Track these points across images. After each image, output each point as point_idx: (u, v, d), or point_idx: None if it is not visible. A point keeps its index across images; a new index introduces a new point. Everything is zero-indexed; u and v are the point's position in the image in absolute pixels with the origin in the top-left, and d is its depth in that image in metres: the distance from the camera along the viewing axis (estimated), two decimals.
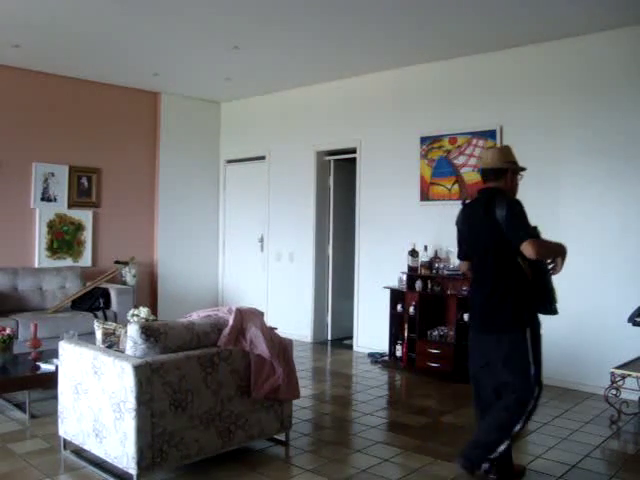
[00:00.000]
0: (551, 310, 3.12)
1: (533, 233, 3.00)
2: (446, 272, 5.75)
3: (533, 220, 3.09)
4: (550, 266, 3.10)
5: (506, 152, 3.26)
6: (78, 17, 5.07)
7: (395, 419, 4.43)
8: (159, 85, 7.45)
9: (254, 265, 7.98)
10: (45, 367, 4.27)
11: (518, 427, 3.04)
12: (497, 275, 3.11)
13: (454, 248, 5.81)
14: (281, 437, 3.78)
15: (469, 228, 3.29)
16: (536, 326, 3.12)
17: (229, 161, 8.36)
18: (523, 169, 3.29)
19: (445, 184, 6.09)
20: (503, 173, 3.19)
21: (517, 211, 3.00)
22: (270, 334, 3.59)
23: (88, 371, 3.28)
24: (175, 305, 7.49)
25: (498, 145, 3.30)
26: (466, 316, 5.46)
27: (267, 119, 7.83)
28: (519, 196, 3.24)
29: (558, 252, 3.07)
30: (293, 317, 7.36)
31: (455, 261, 5.86)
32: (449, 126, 6.07)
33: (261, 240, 7.88)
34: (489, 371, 3.21)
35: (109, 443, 3.13)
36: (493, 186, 3.20)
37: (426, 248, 5.96)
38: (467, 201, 3.40)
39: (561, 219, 5.24)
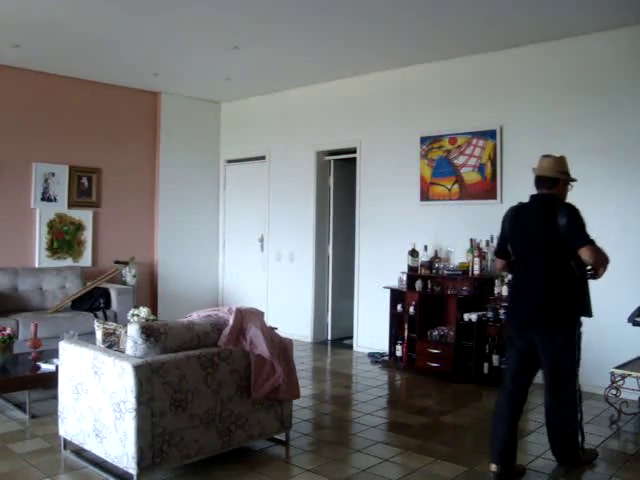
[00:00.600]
0: (590, 313, 3.34)
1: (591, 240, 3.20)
2: (446, 272, 5.75)
3: None
4: (590, 272, 3.31)
5: (562, 162, 3.43)
6: (78, 17, 5.07)
7: (395, 419, 4.43)
8: (159, 85, 7.45)
9: (254, 265, 7.98)
10: (45, 367, 4.27)
11: (580, 414, 3.45)
12: (551, 277, 3.27)
13: (454, 248, 5.93)
14: (281, 437, 3.78)
15: (522, 230, 3.43)
16: (580, 325, 3.35)
17: (229, 161, 8.37)
18: (574, 180, 3.47)
19: (445, 184, 6.09)
20: (556, 182, 3.37)
21: (578, 218, 3.23)
22: (270, 334, 3.59)
23: (88, 371, 3.28)
24: (175, 305, 7.48)
25: (554, 154, 3.43)
26: (466, 316, 5.48)
27: (267, 119, 7.83)
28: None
29: (606, 261, 3.24)
30: (293, 317, 7.35)
31: (455, 260, 5.88)
32: (449, 126, 6.07)
33: (261, 240, 7.88)
34: (531, 368, 3.39)
35: (109, 443, 3.13)
36: (546, 193, 3.38)
37: (426, 248, 5.96)
38: (520, 203, 3.55)
39: None
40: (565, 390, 3.36)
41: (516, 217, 3.48)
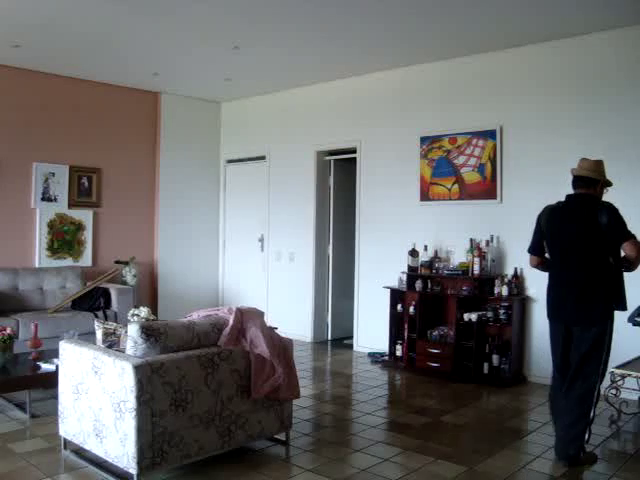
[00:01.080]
0: (625, 306, 3.50)
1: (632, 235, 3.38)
2: (446, 272, 5.75)
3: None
4: (625, 265, 3.45)
5: (600, 166, 3.59)
6: (78, 17, 5.07)
7: (395, 419, 4.43)
8: (159, 85, 7.45)
9: (254, 265, 7.98)
10: (45, 367, 4.27)
11: (592, 413, 3.51)
12: (591, 273, 3.46)
13: (454, 248, 5.93)
14: (281, 437, 3.78)
15: (561, 228, 3.56)
16: (613, 321, 3.51)
17: (229, 161, 8.37)
18: (610, 184, 3.62)
19: (445, 184, 6.09)
20: (594, 183, 3.54)
21: (618, 215, 3.42)
22: (270, 334, 3.59)
23: (88, 371, 3.28)
24: (175, 305, 7.48)
25: (594, 158, 3.66)
26: (466, 316, 5.48)
27: (267, 119, 7.83)
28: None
29: None
30: (293, 317, 7.36)
31: (455, 260, 5.88)
32: (449, 126, 6.07)
33: (261, 240, 7.89)
34: (573, 353, 3.54)
35: (109, 443, 3.13)
36: (584, 192, 3.55)
37: (426, 248, 5.96)
38: (558, 202, 3.66)
39: None
40: (585, 386, 3.46)
41: (554, 216, 3.60)
